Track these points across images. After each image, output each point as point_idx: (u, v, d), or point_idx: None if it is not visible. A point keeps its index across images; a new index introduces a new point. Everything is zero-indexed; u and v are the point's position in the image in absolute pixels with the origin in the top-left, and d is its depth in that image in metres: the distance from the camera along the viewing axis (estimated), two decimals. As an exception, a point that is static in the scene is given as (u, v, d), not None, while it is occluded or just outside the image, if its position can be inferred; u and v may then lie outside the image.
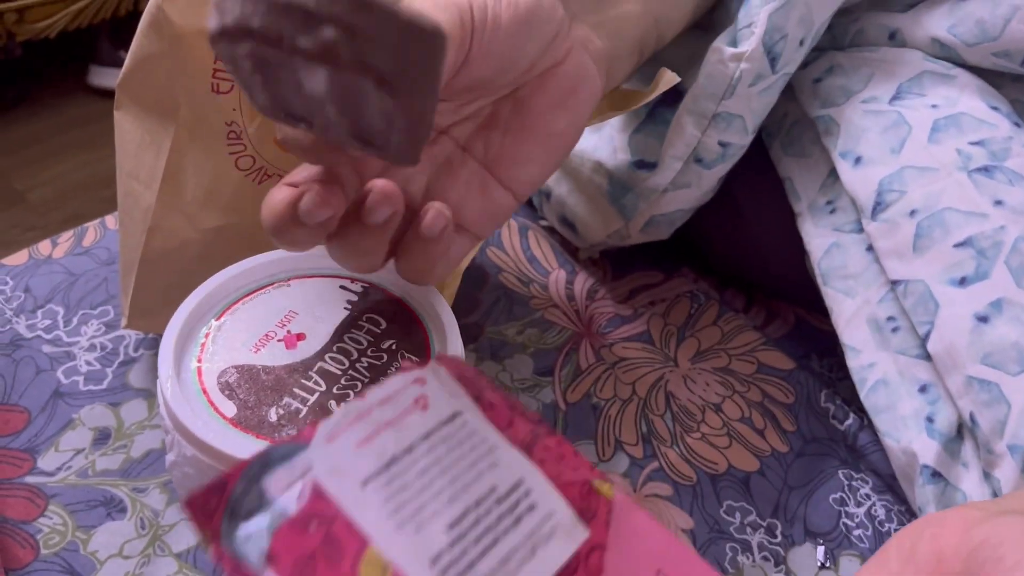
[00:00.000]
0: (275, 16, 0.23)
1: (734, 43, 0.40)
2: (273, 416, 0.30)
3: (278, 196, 0.29)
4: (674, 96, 0.44)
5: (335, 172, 0.30)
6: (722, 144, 0.42)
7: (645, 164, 0.45)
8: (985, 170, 0.38)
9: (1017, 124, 0.40)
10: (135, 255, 0.40)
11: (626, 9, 0.38)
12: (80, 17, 1.43)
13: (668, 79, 0.39)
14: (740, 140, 0.42)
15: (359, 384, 0.32)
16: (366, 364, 0.33)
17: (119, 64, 1.58)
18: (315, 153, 0.29)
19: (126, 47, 1.58)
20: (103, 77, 1.58)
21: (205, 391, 0.31)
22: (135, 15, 1.50)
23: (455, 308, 0.37)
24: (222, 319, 0.34)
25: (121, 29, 1.56)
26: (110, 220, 0.51)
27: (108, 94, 1.57)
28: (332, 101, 0.25)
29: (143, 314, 0.41)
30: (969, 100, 0.40)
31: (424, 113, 0.25)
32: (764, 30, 0.39)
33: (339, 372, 0.32)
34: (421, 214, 0.31)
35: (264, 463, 0.20)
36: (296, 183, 0.29)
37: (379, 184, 0.29)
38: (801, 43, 0.41)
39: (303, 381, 0.32)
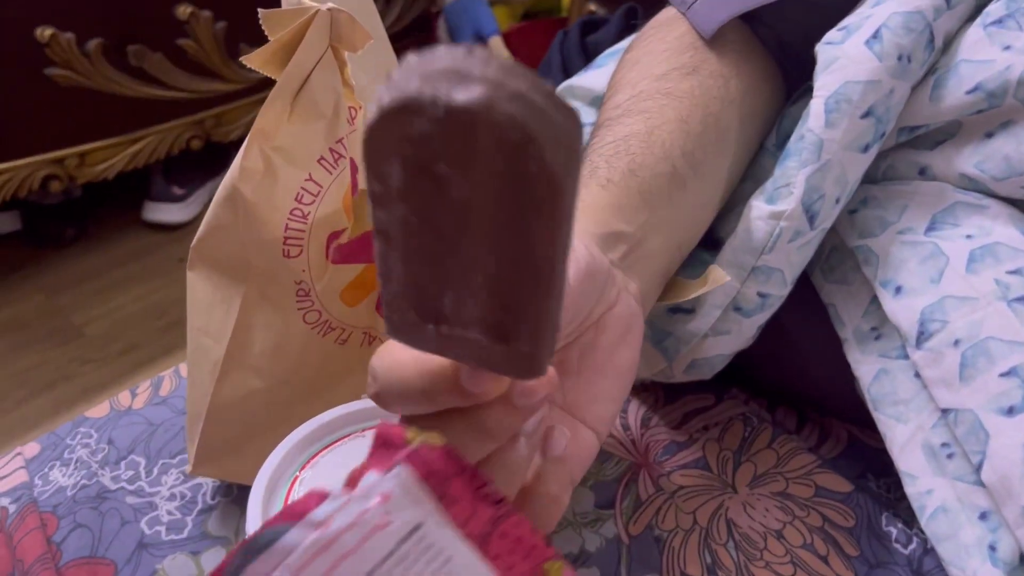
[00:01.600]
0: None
1: (772, 200, 0.43)
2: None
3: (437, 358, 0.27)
4: (710, 240, 0.47)
5: None
6: (761, 295, 0.44)
7: (683, 309, 0.46)
8: (1024, 299, 0.39)
9: (1051, 251, 0.42)
10: (203, 405, 0.42)
11: (652, 247, 0.40)
12: (136, 158, 1.51)
13: (717, 277, 0.42)
14: (779, 291, 0.44)
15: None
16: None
17: (172, 199, 1.66)
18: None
19: (178, 183, 1.66)
20: (157, 212, 1.66)
21: (292, 546, 0.33)
22: (187, 153, 1.58)
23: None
24: (304, 471, 0.36)
25: (173, 166, 1.65)
26: (183, 368, 0.54)
27: (161, 228, 1.64)
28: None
29: (207, 461, 0.43)
30: (1003, 229, 0.42)
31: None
32: (803, 191, 0.42)
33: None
34: (547, 433, 0.31)
35: None
36: None
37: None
38: (837, 201, 0.43)
39: (383, 532, 0.33)
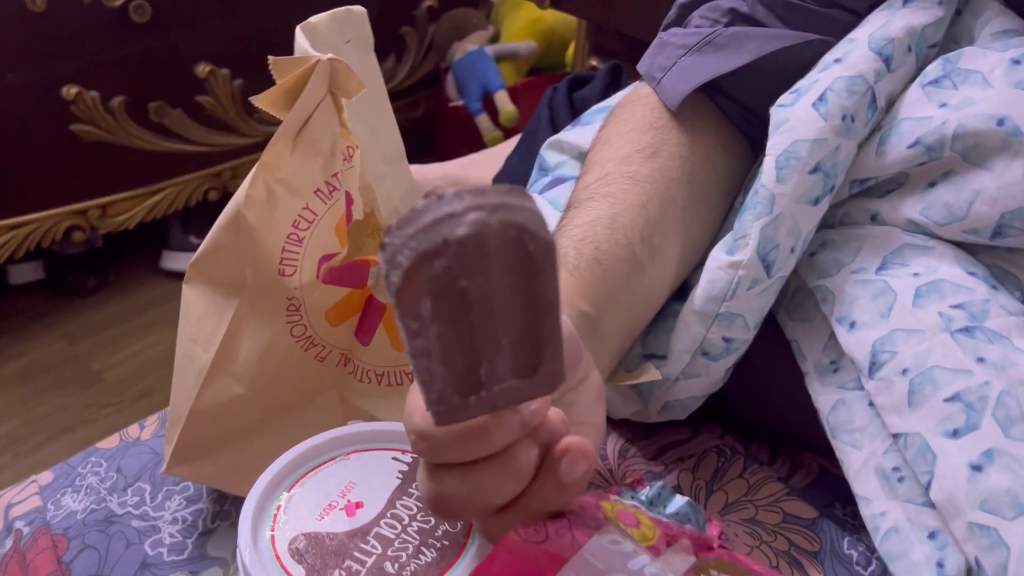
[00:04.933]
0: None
1: (731, 251, 0.46)
2: (337, 578, 0.35)
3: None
4: (680, 289, 0.50)
5: None
6: (726, 339, 0.47)
7: (655, 356, 0.50)
8: (966, 331, 0.42)
9: (994, 287, 0.45)
10: (184, 409, 0.45)
11: (609, 328, 0.45)
12: (156, 209, 1.57)
13: (651, 374, 0.47)
14: (743, 336, 0.47)
15: (410, 546, 0.36)
16: (416, 528, 0.37)
17: (189, 248, 1.71)
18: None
19: (196, 233, 1.71)
20: (175, 261, 1.71)
21: (278, 557, 0.36)
22: (204, 204, 1.64)
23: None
24: (292, 491, 0.39)
25: (191, 217, 1.71)
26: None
27: (179, 276, 1.68)
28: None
29: (182, 462, 0.47)
30: (948, 268, 0.45)
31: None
32: (757, 242, 0.45)
33: (393, 536, 0.37)
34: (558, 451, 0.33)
35: None
36: None
37: (575, 440, 0.32)
38: (792, 250, 0.47)
39: (362, 545, 0.36)
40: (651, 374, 0.47)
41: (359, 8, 0.50)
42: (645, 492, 0.43)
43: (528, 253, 0.26)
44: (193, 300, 0.46)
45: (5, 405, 1.43)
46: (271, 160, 0.43)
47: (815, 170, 0.46)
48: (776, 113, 0.48)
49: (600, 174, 0.50)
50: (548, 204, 0.59)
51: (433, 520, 0.38)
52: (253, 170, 0.43)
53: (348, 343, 0.48)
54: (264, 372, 0.46)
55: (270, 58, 0.43)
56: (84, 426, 1.39)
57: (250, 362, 0.45)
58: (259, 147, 1.66)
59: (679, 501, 0.42)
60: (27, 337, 1.57)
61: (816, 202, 0.47)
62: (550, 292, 0.28)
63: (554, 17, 1.79)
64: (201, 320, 0.46)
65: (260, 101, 0.43)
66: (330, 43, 0.48)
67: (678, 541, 0.35)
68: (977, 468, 0.39)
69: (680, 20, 0.56)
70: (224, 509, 0.49)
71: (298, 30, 0.45)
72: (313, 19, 0.47)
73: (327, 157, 0.44)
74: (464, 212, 0.25)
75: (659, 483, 0.42)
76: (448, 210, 0.25)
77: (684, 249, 0.50)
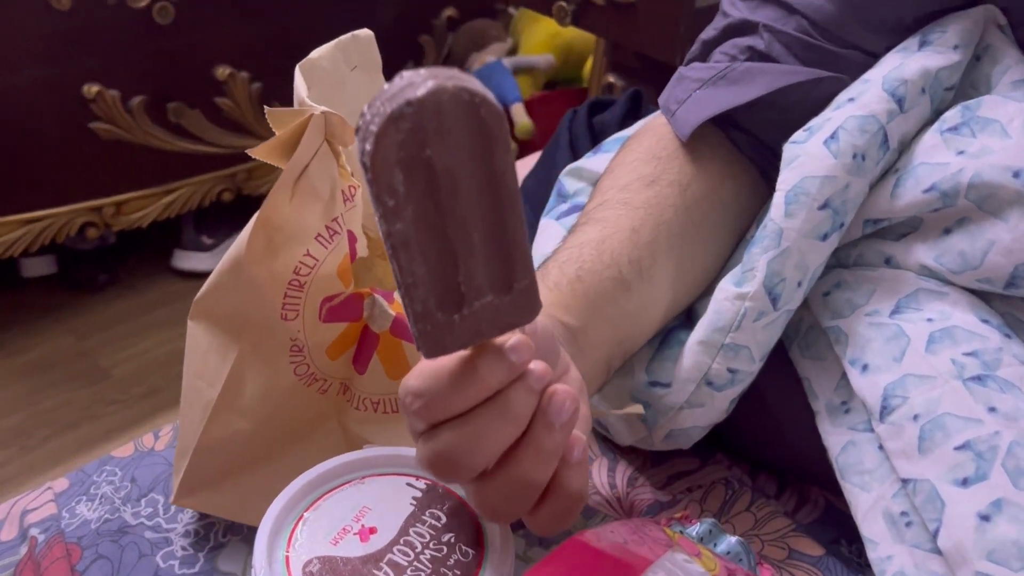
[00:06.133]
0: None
1: (739, 283, 0.47)
2: (350, 604, 0.35)
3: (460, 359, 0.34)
4: (687, 318, 0.51)
5: None
6: (731, 371, 0.48)
7: (660, 384, 0.50)
8: (978, 379, 0.43)
9: (1008, 336, 0.45)
10: (191, 442, 0.46)
11: (593, 339, 0.46)
12: (170, 208, 1.58)
13: (634, 408, 0.48)
14: (748, 367, 0.48)
15: (423, 574, 0.37)
16: (428, 556, 0.38)
17: (201, 248, 1.72)
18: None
19: (208, 233, 1.72)
20: (186, 260, 1.72)
21: (292, 580, 0.36)
22: (218, 205, 1.65)
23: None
24: (307, 514, 0.40)
25: (204, 217, 1.71)
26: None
27: (190, 275, 1.70)
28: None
29: (189, 493, 0.47)
30: (962, 315, 0.45)
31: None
32: (764, 275, 0.46)
33: (406, 563, 0.37)
34: (549, 393, 0.35)
35: None
36: None
37: (559, 386, 0.35)
38: (799, 284, 0.47)
39: (375, 571, 0.37)
40: (634, 408, 0.48)
41: (365, 32, 0.50)
42: (695, 528, 0.43)
43: (480, 118, 0.29)
44: (198, 336, 0.47)
45: (12, 398, 1.44)
46: (270, 211, 0.44)
47: (824, 206, 0.47)
48: (788, 149, 0.48)
49: (599, 201, 0.52)
50: (566, 231, 0.59)
51: (446, 549, 0.38)
52: (252, 220, 0.44)
53: (347, 372, 0.49)
54: (268, 408, 0.47)
55: (267, 109, 0.44)
56: (90, 422, 1.40)
57: (254, 399, 0.46)
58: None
59: (731, 540, 0.43)
60: (36, 331, 1.58)
61: (824, 238, 0.47)
62: (507, 174, 0.31)
63: (572, 32, 1.79)
64: (206, 356, 0.47)
65: (258, 153, 0.44)
66: (334, 76, 0.48)
67: None
68: (985, 518, 0.39)
69: (702, 56, 0.57)
70: (235, 524, 0.50)
71: (297, 71, 0.46)
72: (314, 53, 0.47)
73: (326, 202, 0.45)
74: (423, 81, 0.29)
75: (709, 520, 0.43)
76: (409, 81, 0.29)
77: (680, 272, 0.51)
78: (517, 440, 0.35)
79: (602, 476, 0.55)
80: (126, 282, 1.70)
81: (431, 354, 0.33)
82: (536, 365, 0.34)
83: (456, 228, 0.31)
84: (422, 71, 0.29)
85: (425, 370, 0.34)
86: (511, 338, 0.34)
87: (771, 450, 0.56)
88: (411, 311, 0.32)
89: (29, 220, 1.45)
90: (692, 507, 0.53)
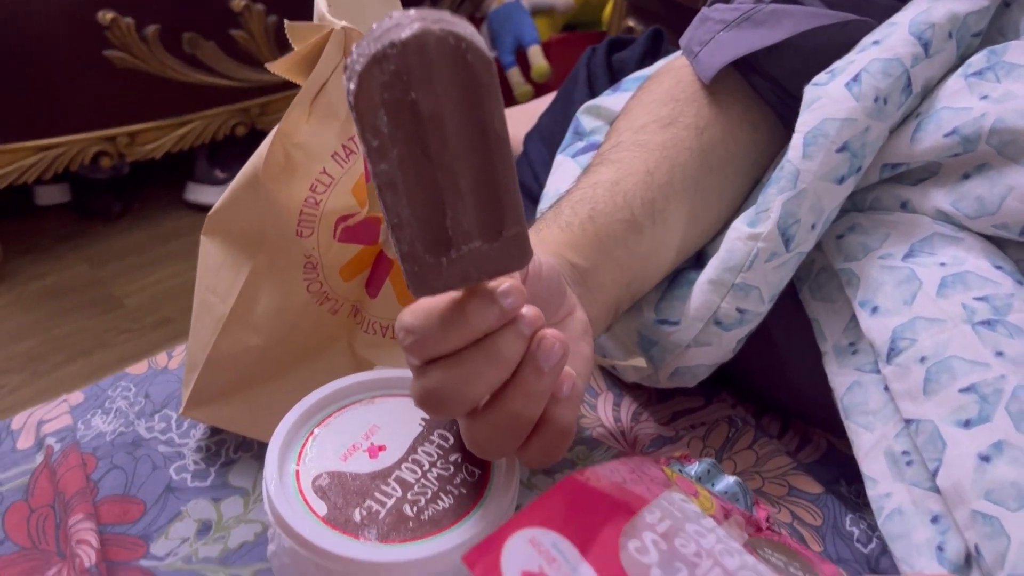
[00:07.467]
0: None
1: (752, 223, 0.47)
2: (357, 516, 0.36)
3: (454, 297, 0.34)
4: (697, 259, 0.51)
5: None
6: (740, 310, 0.48)
7: (668, 322, 0.51)
8: (988, 323, 0.43)
9: (1020, 282, 0.45)
10: (201, 356, 0.47)
11: (602, 280, 0.46)
12: (183, 141, 1.58)
13: (636, 360, 0.49)
14: (757, 308, 0.48)
15: (429, 491, 0.38)
16: (436, 474, 0.39)
17: (214, 182, 1.72)
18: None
19: (221, 166, 1.72)
20: (199, 193, 1.72)
21: (302, 492, 0.37)
22: (231, 139, 1.64)
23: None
24: (317, 430, 0.40)
25: (217, 150, 1.71)
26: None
27: (202, 208, 1.71)
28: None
29: (198, 405, 0.48)
30: (975, 260, 0.45)
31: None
32: (779, 215, 0.46)
33: (413, 480, 0.38)
34: (538, 337, 0.35)
35: None
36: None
37: (549, 331, 0.35)
38: (813, 227, 0.47)
39: (383, 487, 0.38)
40: (637, 361, 0.49)
41: None
42: (694, 468, 0.44)
43: (468, 63, 0.29)
44: (211, 251, 0.47)
45: (27, 323, 1.46)
46: (288, 126, 0.44)
47: (842, 149, 0.46)
48: (809, 91, 0.48)
49: (615, 142, 0.52)
50: (581, 169, 0.59)
51: (452, 468, 0.39)
52: (271, 135, 0.44)
53: (359, 295, 0.50)
54: (280, 325, 0.47)
55: (286, 23, 0.43)
56: (102, 350, 1.42)
57: (267, 315, 0.46)
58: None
59: (728, 480, 0.43)
60: (51, 258, 1.59)
61: (841, 181, 0.47)
62: (496, 120, 0.30)
63: (593, -26, 1.77)
64: (219, 271, 0.47)
65: (277, 67, 0.43)
66: None
67: (732, 516, 0.36)
68: (985, 459, 0.40)
69: None
70: (247, 441, 0.51)
71: None
72: None
73: (343, 121, 0.45)
74: (410, 23, 0.28)
75: (708, 460, 0.43)
76: (396, 22, 0.28)
77: (693, 216, 0.50)
78: (507, 380, 0.35)
79: (607, 410, 0.55)
80: (139, 213, 1.71)
81: (419, 293, 0.33)
82: (527, 310, 0.34)
83: (443, 173, 0.31)
84: (412, 12, 0.29)
85: (419, 308, 0.35)
86: (504, 282, 0.34)
87: (776, 391, 0.57)
88: (398, 250, 0.32)
89: (43, 147, 1.45)
90: (695, 443, 0.54)
